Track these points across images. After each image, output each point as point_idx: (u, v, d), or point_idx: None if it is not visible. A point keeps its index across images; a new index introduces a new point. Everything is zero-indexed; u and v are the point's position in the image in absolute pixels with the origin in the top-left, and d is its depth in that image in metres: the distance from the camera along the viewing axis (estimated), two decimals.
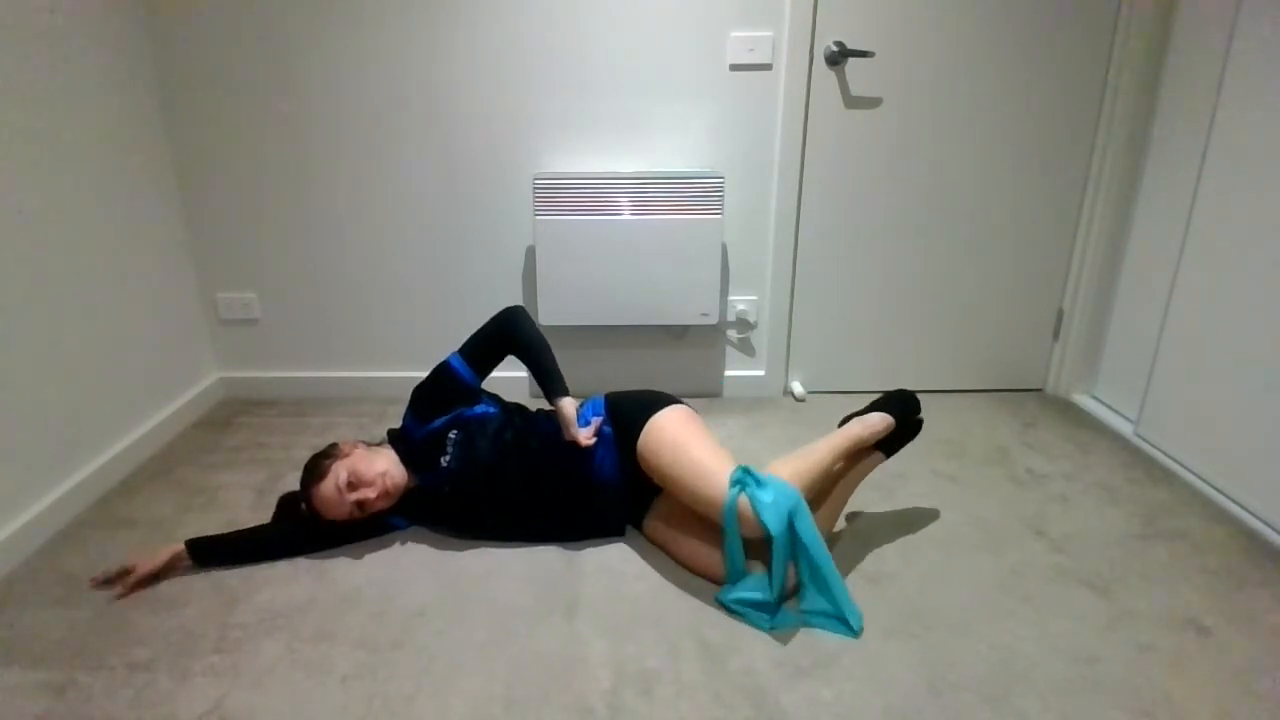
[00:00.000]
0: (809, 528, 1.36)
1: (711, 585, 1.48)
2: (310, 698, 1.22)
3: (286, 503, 1.66)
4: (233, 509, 1.76)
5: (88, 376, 1.82)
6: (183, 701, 1.22)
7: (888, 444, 1.64)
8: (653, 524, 1.60)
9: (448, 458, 1.58)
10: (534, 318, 2.24)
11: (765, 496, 1.34)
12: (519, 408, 1.72)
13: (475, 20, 2.02)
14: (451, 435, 1.59)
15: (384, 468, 1.55)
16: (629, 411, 1.59)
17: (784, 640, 1.34)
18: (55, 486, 1.71)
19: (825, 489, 1.56)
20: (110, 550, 1.61)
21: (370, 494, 1.52)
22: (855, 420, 1.61)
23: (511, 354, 1.63)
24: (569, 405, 1.56)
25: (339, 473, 1.51)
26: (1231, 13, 1.75)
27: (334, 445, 1.61)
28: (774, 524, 1.31)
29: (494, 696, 1.22)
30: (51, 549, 1.63)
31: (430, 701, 1.22)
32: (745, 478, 1.37)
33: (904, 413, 1.65)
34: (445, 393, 1.63)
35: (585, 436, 1.55)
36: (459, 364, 1.64)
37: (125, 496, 1.83)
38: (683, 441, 1.48)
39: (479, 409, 1.64)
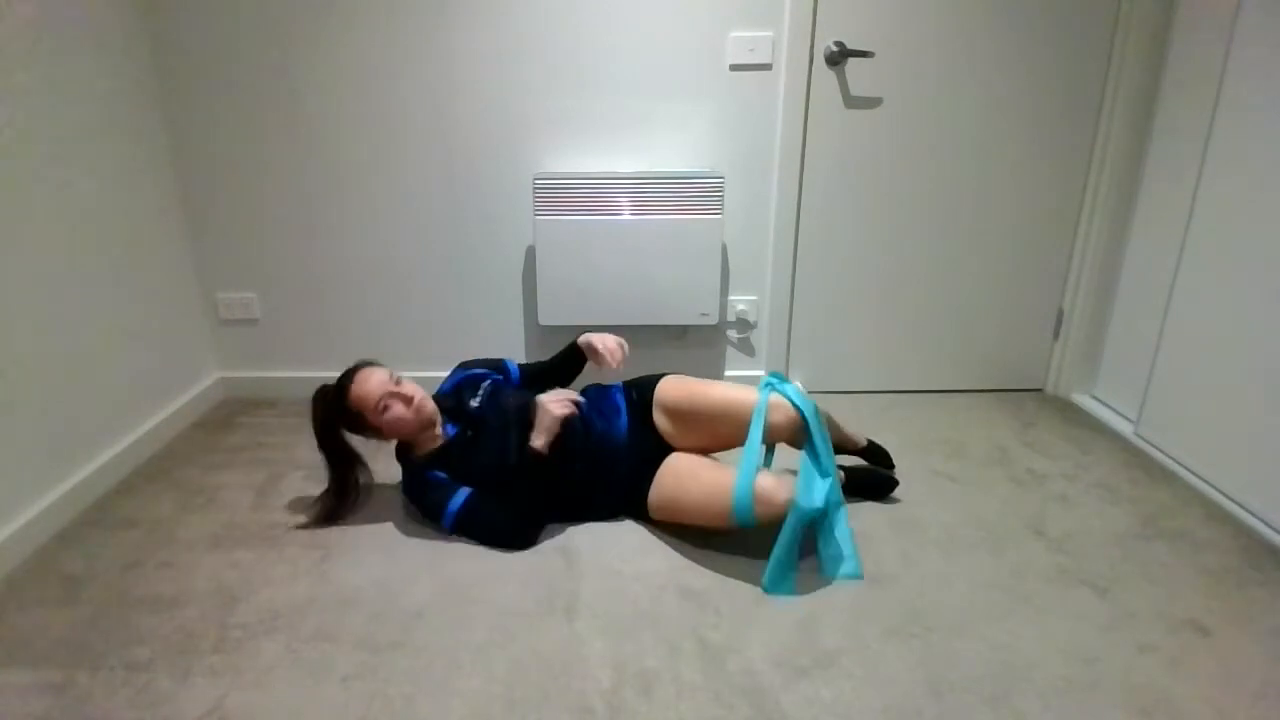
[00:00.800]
0: (821, 427, 1.56)
1: (713, 582, 1.49)
2: (310, 698, 1.22)
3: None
4: (233, 509, 1.76)
5: (88, 376, 1.82)
6: (183, 701, 1.22)
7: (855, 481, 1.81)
8: (656, 491, 1.62)
9: (477, 400, 1.72)
10: (534, 317, 2.26)
11: (790, 389, 1.59)
12: None
13: (475, 20, 2.02)
14: (485, 384, 1.76)
15: (425, 394, 1.67)
16: (641, 381, 1.79)
17: (784, 640, 1.34)
18: (55, 486, 1.71)
19: None
20: (110, 550, 1.61)
21: (410, 391, 1.63)
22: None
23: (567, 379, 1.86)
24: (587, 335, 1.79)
25: (395, 373, 1.67)
26: (1231, 13, 1.75)
27: None
28: (802, 401, 1.56)
29: (494, 696, 1.22)
30: (51, 549, 1.63)
31: (430, 701, 1.22)
32: (774, 377, 1.64)
33: (876, 459, 1.90)
34: (489, 365, 1.86)
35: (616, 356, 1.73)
36: (512, 365, 1.89)
37: (125, 496, 1.83)
38: (702, 380, 1.72)
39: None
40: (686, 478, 1.59)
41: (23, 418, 1.63)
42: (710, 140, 2.14)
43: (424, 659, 1.30)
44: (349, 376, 1.66)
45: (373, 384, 1.62)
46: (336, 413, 1.65)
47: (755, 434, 1.54)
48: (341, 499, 1.69)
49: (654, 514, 1.65)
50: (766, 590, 1.46)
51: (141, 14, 2.01)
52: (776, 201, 2.19)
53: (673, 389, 1.71)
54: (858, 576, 1.52)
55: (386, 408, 1.60)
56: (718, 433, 1.65)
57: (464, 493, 1.62)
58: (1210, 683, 1.25)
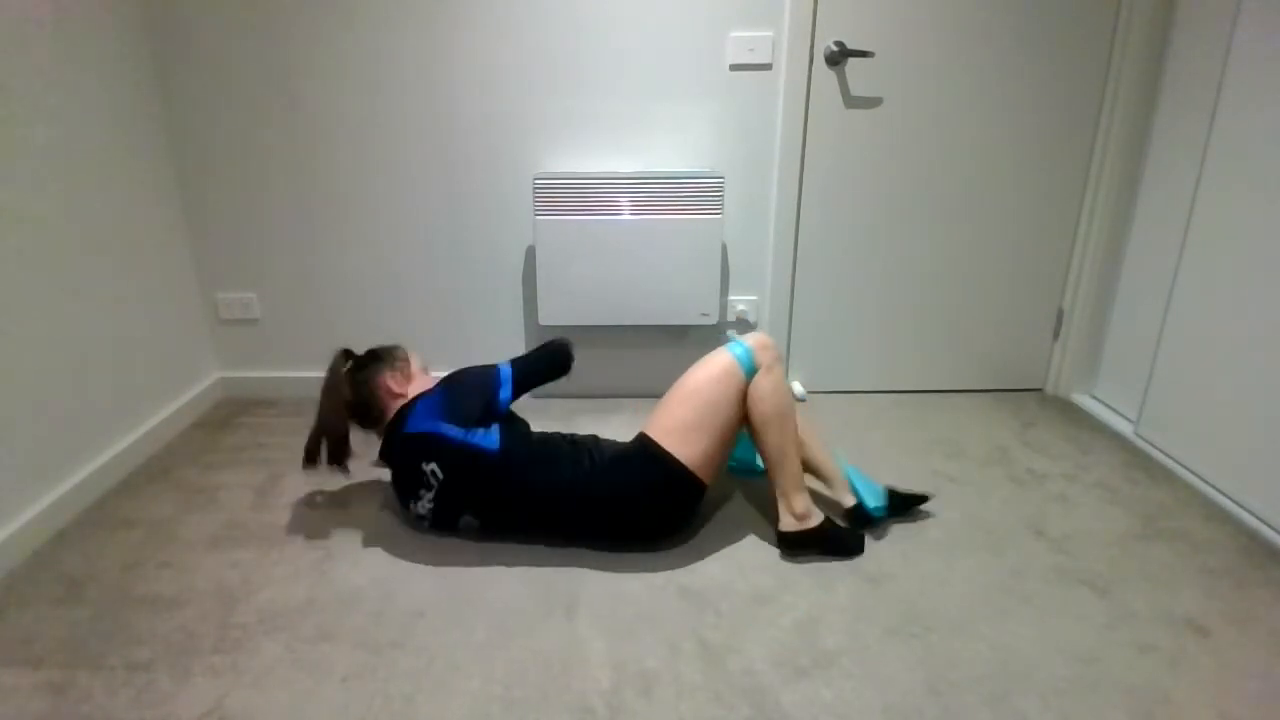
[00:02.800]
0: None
1: (713, 582, 1.49)
2: (310, 698, 1.22)
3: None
4: (233, 509, 1.76)
5: (88, 376, 1.82)
6: (183, 701, 1.22)
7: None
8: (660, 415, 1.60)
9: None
10: (534, 318, 2.26)
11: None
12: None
13: (475, 21, 2.02)
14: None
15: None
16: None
17: (784, 640, 1.34)
18: (55, 486, 1.71)
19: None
20: (110, 550, 1.61)
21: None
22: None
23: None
24: None
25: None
26: (1231, 13, 1.75)
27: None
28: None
29: (494, 696, 1.22)
30: (51, 549, 1.63)
31: (430, 701, 1.22)
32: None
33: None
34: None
35: None
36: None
37: (125, 496, 1.83)
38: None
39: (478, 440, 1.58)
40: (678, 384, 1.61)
41: (23, 418, 1.63)
42: (710, 140, 2.14)
43: (424, 659, 1.30)
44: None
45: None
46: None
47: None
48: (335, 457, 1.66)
49: (657, 433, 1.55)
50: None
51: (142, 15, 2.01)
52: (776, 201, 2.19)
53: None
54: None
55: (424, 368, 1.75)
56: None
57: (504, 367, 1.65)
58: (1210, 683, 1.25)
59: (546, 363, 1.70)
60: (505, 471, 1.55)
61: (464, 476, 1.55)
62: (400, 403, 1.64)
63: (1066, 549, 1.61)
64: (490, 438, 1.56)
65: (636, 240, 2.07)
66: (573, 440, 1.64)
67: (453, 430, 1.55)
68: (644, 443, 1.55)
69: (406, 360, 1.72)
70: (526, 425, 1.68)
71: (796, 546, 1.58)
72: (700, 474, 1.54)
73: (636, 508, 1.56)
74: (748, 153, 2.15)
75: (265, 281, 2.29)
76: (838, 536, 1.59)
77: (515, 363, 1.68)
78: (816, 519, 1.58)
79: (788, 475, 1.57)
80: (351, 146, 2.14)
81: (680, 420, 1.54)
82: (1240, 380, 1.73)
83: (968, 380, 2.42)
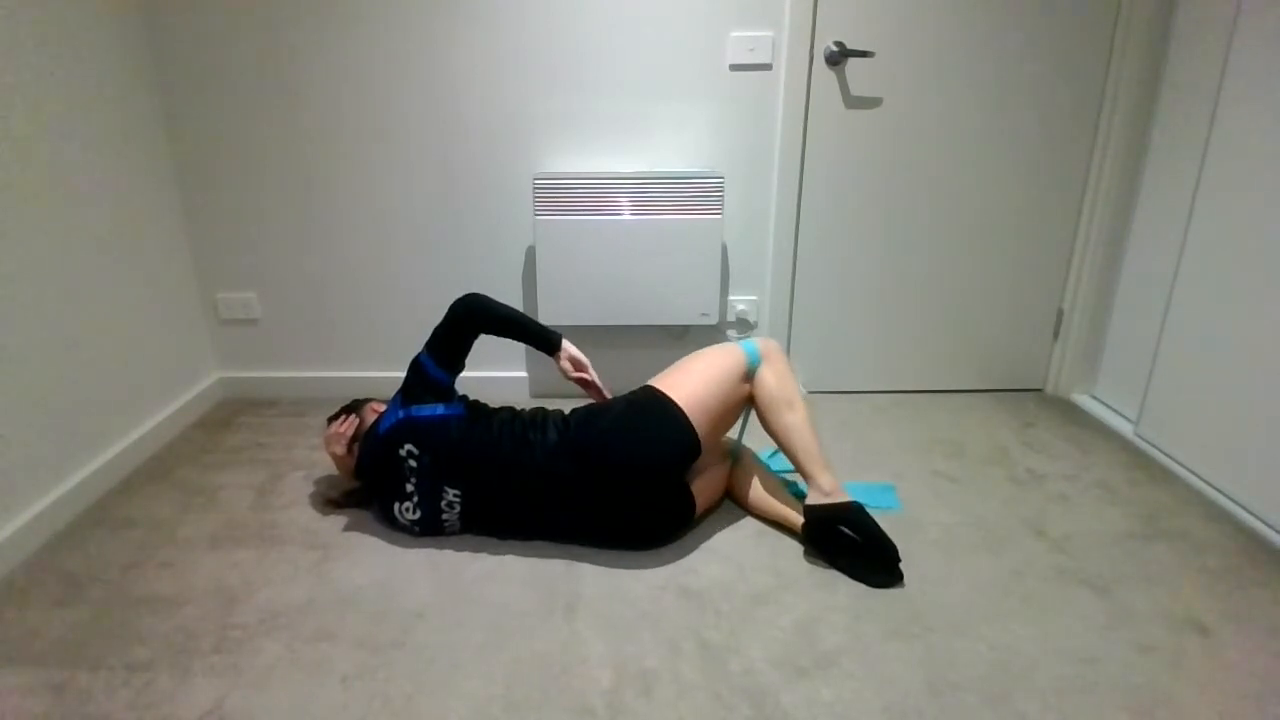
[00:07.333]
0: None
1: (713, 582, 1.49)
2: (310, 698, 1.22)
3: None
4: (233, 509, 1.76)
5: (87, 376, 1.82)
6: (183, 701, 1.22)
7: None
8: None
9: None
10: (535, 318, 2.25)
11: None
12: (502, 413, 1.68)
13: (475, 20, 2.02)
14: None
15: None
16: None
17: (784, 640, 1.34)
18: (55, 486, 1.71)
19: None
20: (110, 550, 1.61)
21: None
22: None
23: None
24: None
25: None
26: (1231, 13, 1.75)
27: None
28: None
29: (494, 697, 1.22)
30: (51, 549, 1.63)
31: (430, 701, 1.22)
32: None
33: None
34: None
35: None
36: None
37: (125, 496, 1.83)
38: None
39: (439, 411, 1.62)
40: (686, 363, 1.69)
41: (23, 418, 1.63)
42: (710, 140, 2.14)
43: (424, 659, 1.30)
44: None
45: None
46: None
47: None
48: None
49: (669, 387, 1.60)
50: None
51: (141, 16, 2.01)
52: (776, 201, 2.19)
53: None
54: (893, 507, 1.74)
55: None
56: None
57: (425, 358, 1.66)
58: (1210, 683, 1.25)
59: (445, 319, 1.64)
60: (483, 427, 1.59)
61: (440, 442, 1.57)
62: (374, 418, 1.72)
63: (1066, 549, 1.61)
64: (454, 407, 1.63)
65: (636, 240, 2.07)
66: (560, 412, 1.68)
67: (413, 410, 1.61)
68: (646, 389, 1.63)
69: (382, 402, 1.80)
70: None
71: (825, 525, 1.52)
72: (698, 428, 1.56)
73: (631, 456, 1.53)
74: (748, 153, 2.15)
75: (265, 281, 2.29)
76: (870, 523, 1.50)
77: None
78: (845, 498, 1.53)
79: (808, 453, 1.57)
80: (351, 146, 2.14)
81: (679, 383, 1.62)
82: (1240, 380, 1.73)
83: (968, 380, 2.42)
